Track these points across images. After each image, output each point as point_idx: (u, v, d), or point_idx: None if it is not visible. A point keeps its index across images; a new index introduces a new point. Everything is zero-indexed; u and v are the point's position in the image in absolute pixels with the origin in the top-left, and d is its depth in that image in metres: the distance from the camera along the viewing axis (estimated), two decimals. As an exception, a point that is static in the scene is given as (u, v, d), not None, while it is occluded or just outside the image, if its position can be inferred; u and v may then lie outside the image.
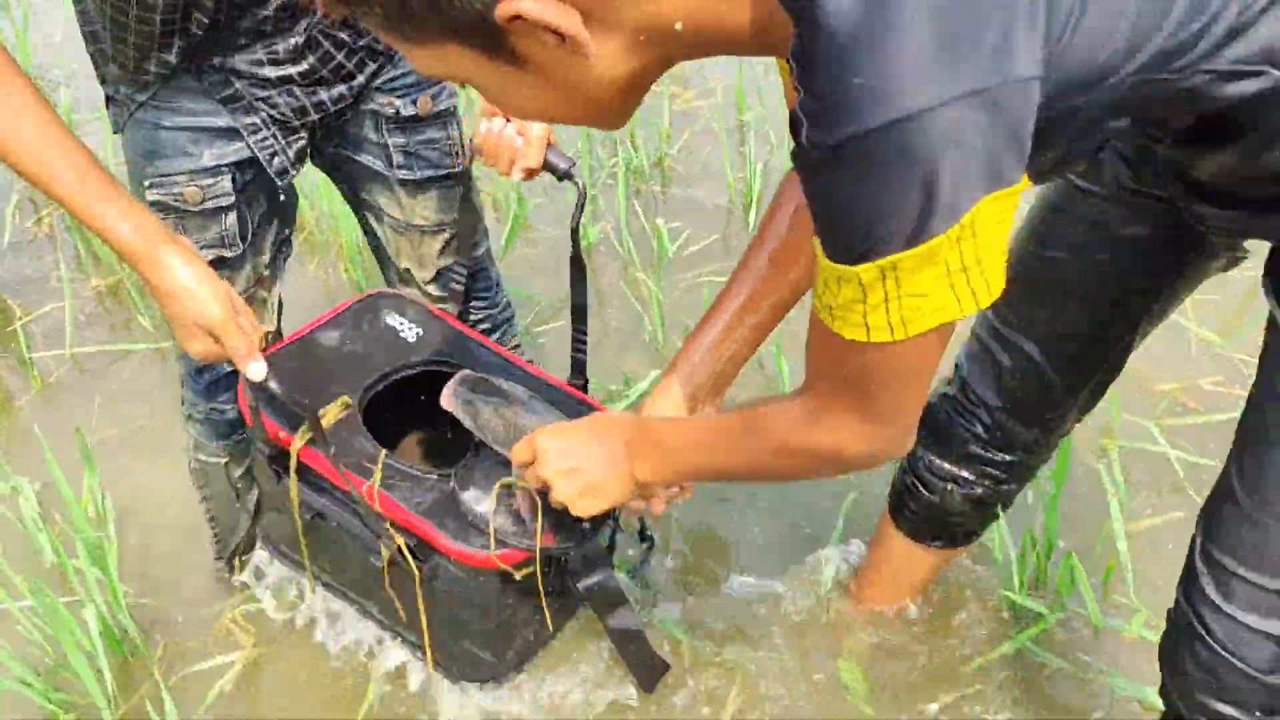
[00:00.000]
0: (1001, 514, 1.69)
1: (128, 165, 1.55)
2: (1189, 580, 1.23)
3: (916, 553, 1.76)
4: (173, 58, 1.42)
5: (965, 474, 1.59)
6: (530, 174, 1.58)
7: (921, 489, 1.64)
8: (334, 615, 1.82)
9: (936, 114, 0.76)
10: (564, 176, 1.57)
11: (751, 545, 2.06)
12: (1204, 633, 1.20)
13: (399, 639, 1.64)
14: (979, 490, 1.59)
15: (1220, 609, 1.18)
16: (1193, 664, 1.22)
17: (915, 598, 1.89)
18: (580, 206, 1.59)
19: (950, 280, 0.85)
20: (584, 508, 1.31)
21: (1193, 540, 1.22)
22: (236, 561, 2.00)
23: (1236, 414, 1.72)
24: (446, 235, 1.78)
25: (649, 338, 2.54)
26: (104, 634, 1.81)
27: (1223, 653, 1.19)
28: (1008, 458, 1.55)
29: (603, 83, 0.91)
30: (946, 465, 1.59)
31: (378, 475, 1.44)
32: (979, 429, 1.54)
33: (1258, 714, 1.20)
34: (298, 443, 1.45)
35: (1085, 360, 1.44)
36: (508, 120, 1.54)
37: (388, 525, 1.44)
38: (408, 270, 1.81)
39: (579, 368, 1.69)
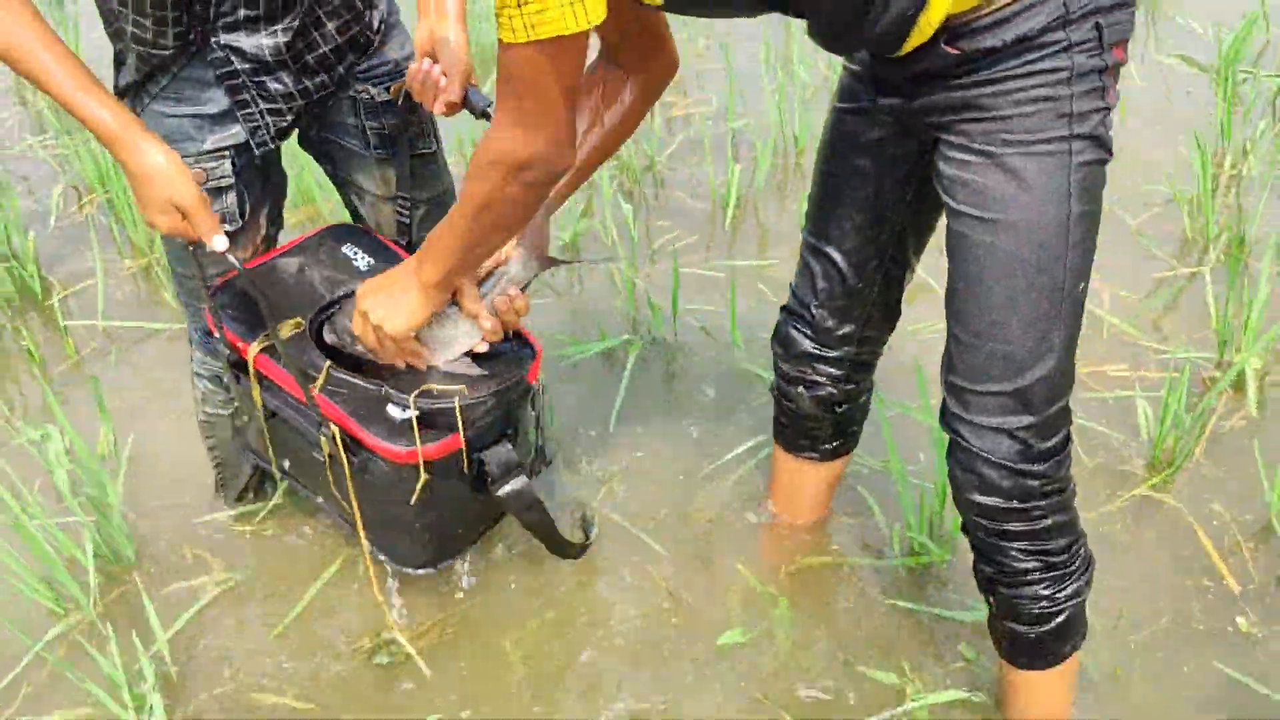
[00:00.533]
0: (859, 416, 1.97)
1: None
2: (943, 410, 1.53)
3: (793, 464, 2.04)
4: (184, 26, 1.64)
5: (808, 375, 1.86)
6: (452, 108, 1.75)
7: (782, 399, 1.93)
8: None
9: None
10: (481, 115, 1.76)
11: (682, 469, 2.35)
12: (959, 440, 1.51)
13: (349, 532, 1.89)
14: (823, 391, 1.86)
15: (963, 418, 1.49)
16: (959, 470, 1.53)
17: (814, 518, 2.16)
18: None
19: (561, 4, 1.20)
20: (394, 325, 1.60)
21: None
22: (238, 502, 2.27)
23: (1135, 393, 2.04)
24: (423, 211, 2.01)
25: (619, 306, 2.81)
26: (98, 552, 2.08)
27: (974, 450, 1.49)
28: (834, 353, 1.83)
29: None
30: (791, 369, 1.87)
31: (320, 381, 1.68)
32: (807, 330, 1.82)
33: (1015, 502, 1.50)
34: (254, 350, 1.71)
35: (868, 256, 1.73)
36: (435, 62, 1.73)
37: (329, 425, 1.68)
38: None
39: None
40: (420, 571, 1.89)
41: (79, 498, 2.15)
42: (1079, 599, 1.59)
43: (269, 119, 1.77)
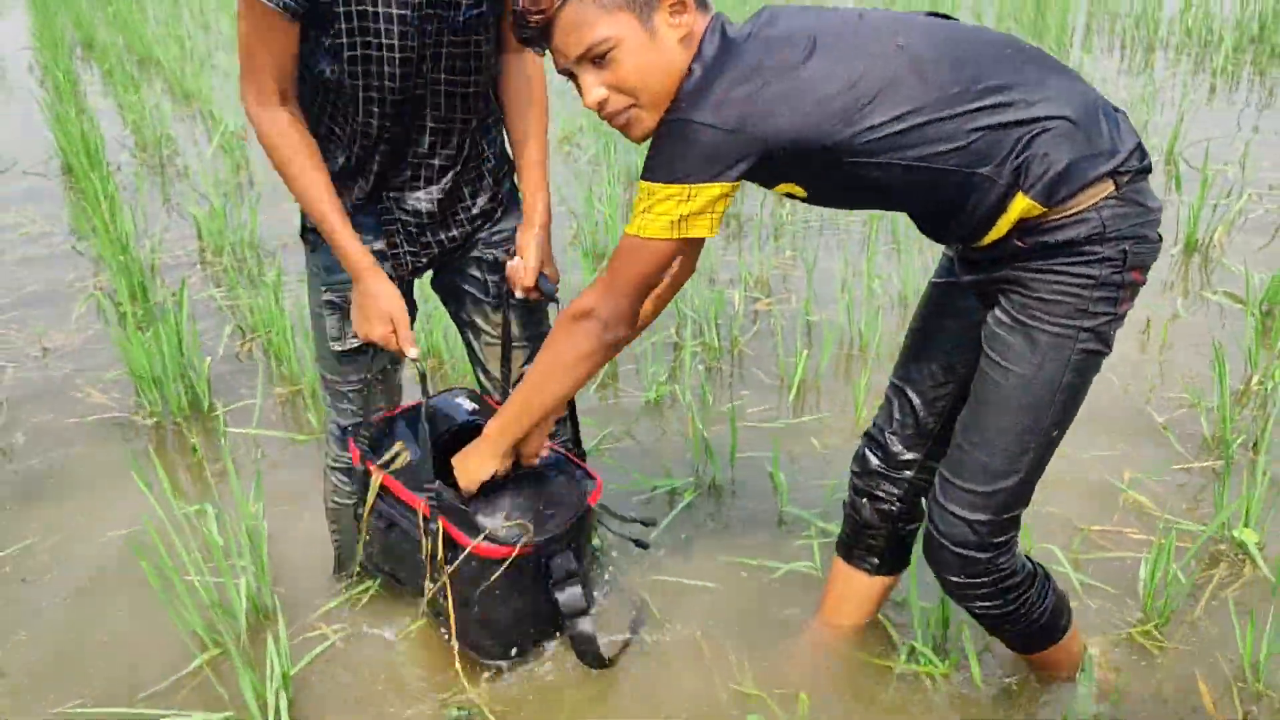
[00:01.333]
0: (908, 541, 2.29)
1: (310, 273, 2.28)
2: (930, 499, 1.92)
3: (847, 572, 2.37)
4: (368, 182, 2.15)
5: (875, 490, 2.23)
6: (528, 291, 2.26)
7: (850, 509, 2.30)
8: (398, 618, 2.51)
9: (701, 126, 1.64)
10: (549, 298, 2.27)
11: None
12: (931, 524, 1.91)
13: (438, 623, 2.32)
14: (884, 505, 2.23)
15: (939, 504, 1.90)
16: (928, 553, 1.94)
17: (852, 625, 2.45)
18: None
19: (672, 220, 1.70)
20: (467, 475, 2.11)
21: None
22: (350, 580, 2.69)
23: (1147, 554, 2.53)
24: (528, 350, 2.44)
25: (690, 456, 3.23)
26: (249, 598, 2.51)
27: (937, 535, 1.90)
28: (898, 475, 2.21)
29: (677, 63, 1.70)
30: (862, 484, 2.25)
31: (429, 492, 2.17)
32: (879, 453, 2.22)
33: (965, 577, 1.91)
34: (377, 475, 2.24)
35: (938, 397, 2.13)
36: (519, 258, 2.25)
37: (436, 522, 2.15)
38: (497, 378, 2.45)
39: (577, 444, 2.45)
40: (493, 662, 2.31)
41: (240, 560, 2.60)
42: (1041, 618, 2.00)
43: (408, 259, 2.25)
